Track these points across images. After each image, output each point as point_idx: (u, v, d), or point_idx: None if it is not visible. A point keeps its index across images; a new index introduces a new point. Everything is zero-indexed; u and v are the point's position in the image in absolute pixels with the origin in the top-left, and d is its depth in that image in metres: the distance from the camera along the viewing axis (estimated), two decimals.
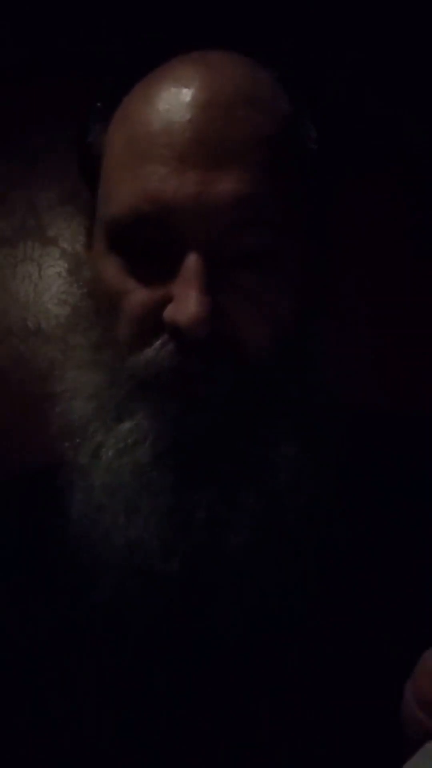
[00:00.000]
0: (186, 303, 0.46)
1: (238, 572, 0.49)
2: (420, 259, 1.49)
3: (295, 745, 0.48)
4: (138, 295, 0.50)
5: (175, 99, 0.49)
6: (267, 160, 0.49)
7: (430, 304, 1.48)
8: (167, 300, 0.48)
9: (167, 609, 0.49)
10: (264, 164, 0.49)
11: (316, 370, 0.53)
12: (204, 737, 0.49)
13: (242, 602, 0.49)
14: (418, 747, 0.37)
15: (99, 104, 0.55)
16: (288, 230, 0.50)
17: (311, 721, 0.48)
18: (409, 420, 0.62)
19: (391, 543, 0.52)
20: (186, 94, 0.49)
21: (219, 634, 0.49)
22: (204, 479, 0.49)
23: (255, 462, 0.49)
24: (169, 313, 0.47)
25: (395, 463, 0.56)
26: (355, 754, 0.47)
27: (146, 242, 0.49)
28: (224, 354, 0.49)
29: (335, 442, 0.51)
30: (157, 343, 0.49)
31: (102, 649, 0.52)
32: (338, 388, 0.54)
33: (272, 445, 0.50)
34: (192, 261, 0.47)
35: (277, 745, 0.48)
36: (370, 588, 0.51)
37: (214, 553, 0.48)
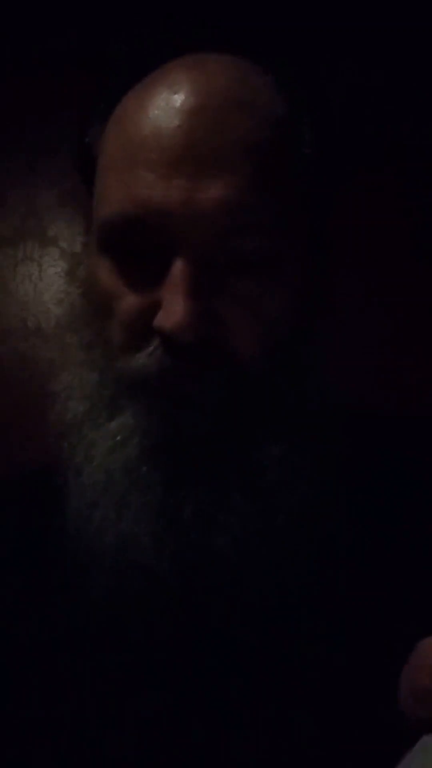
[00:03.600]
0: (173, 309, 0.47)
1: (228, 569, 0.49)
2: (420, 261, 1.49)
3: (292, 740, 0.48)
4: (128, 300, 0.50)
5: (165, 104, 0.49)
6: (259, 166, 0.49)
7: (431, 305, 1.49)
8: (157, 306, 0.48)
9: (161, 605, 0.50)
10: (255, 170, 0.49)
11: (313, 372, 0.53)
12: (201, 733, 0.49)
13: (234, 599, 0.49)
14: (414, 738, 0.38)
15: (97, 105, 0.55)
16: (284, 235, 0.50)
17: (307, 717, 0.49)
18: (408, 422, 0.62)
19: (386, 543, 0.53)
20: (176, 100, 0.49)
21: (212, 630, 0.50)
22: (192, 477, 0.49)
23: (242, 461, 0.49)
24: (157, 320, 0.48)
25: (393, 464, 0.56)
26: (356, 754, 0.47)
27: (136, 247, 0.50)
28: (215, 357, 0.49)
29: (330, 444, 0.51)
30: (148, 348, 0.49)
31: (98, 645, 0.52)
32: (336, 390, 0.54)
33: (260, 446, 0.50)
34: (179, 267, 0.48)
35: (273, 739, 0.48)
36: (363, 587, 0.51)
37: (203, 550, 0.49)
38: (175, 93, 0.50)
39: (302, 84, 0.54)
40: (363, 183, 1.40)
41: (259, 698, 0.49)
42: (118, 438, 0.50)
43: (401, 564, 0.52)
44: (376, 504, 0.53)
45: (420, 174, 1.50)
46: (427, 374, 1.44)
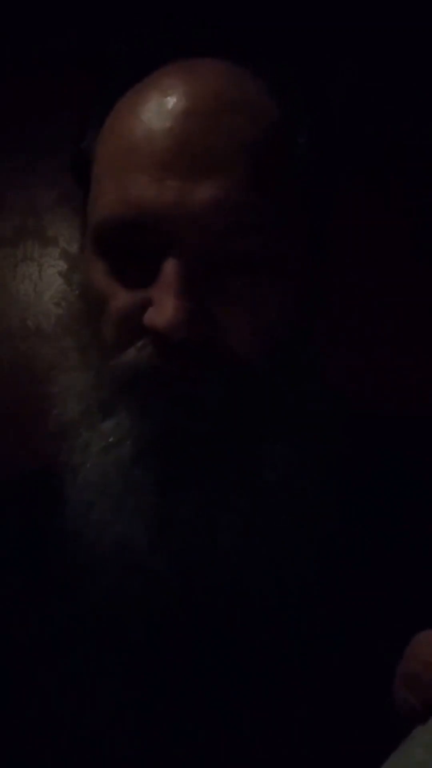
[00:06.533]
0: (163, 307, 0.47)
1: (229, 568, 0.49)
2: (420, 261, 1.49)
3: (291, 740, 0.48)
4: (121, 299, 0.51)
5: (157, 107, 0.50)
6: (252, 166, 0.49)
7: (431, 305, 1.49)
8: (148, 304, 0.49)
9: (160, 606, 0.50)
10: (249, 170, 0.49)
11: (313, 372, 0.53)
12: (202, 733, 0.49)
13: (234, 597, 0.49)
14: (407, 730, 0.38)
15: (94, 109, 0.55)
16: (283, 235, 0.51)
17: (308, 716, 0.49)
18: (408, 422, 0.62)
19: (386, 542, 0.53)
20: (168, 103, 0.50)
21: (213, 630, 0.50)
22: (188, 477, 0.49)
23: (240, 461, 0.50)
24: (147, 317, 0.48)
25: (393, 464, 0.56)
26: (354, 753, 0.47)
27: (130, 248, 0.50)
28: (210, 356, 0.49)
29: (330, 444, 0.51)
30: (138, 345, 0.50)
31: (98, 646, 0.52)
32: (336, 390, 0.54)
33: (259, 445, 0.50)
34: (170, 267, 0.48)
35: (273, 737, 0.48)
36: (363, 585, 0.51)
37: (203, 551, 0.49)
38: (166, 96, 0.50)
39: (300, 85, 0.55)
40: (363, 183, 1.40)
41: (260, 697, 0.49)
42: (111, 439, 0.51)
43: (401, 563, 0.52)
44: (376, 503, 0.54)
45: (420, 174, 1.50)
46: (427, 374, 1.44)
